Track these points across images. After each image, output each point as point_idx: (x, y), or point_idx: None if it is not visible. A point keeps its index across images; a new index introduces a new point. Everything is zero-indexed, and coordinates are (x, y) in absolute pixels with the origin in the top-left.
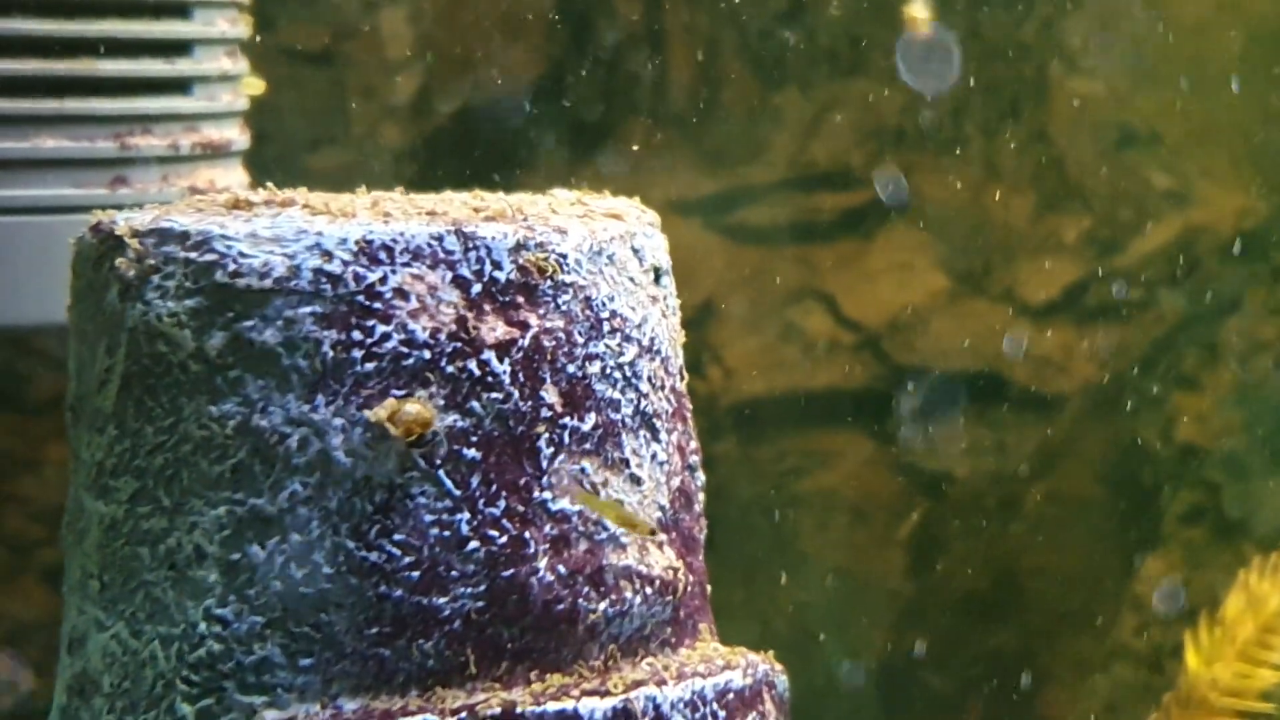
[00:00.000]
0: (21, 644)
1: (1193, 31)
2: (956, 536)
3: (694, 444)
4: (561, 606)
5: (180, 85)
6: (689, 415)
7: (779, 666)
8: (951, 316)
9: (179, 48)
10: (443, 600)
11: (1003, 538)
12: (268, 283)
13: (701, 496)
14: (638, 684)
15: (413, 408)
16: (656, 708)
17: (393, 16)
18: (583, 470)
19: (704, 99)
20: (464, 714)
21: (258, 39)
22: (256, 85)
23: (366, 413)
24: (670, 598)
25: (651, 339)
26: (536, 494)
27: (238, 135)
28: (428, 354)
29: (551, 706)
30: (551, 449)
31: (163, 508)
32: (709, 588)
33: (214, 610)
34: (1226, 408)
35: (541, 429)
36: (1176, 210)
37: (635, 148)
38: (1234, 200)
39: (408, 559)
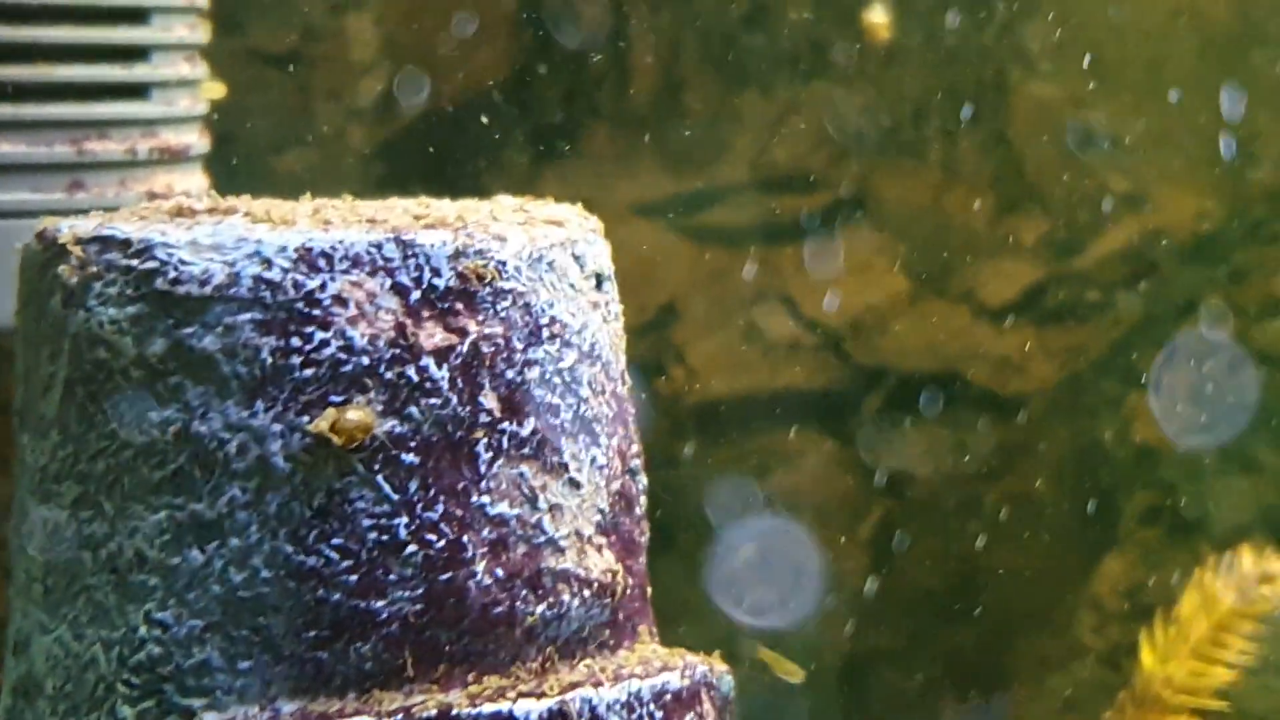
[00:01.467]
0: None
1: (1150, 36)
2: (917, 536)
3: (635, 448)
4: (499, 609)
5: (138, 90)
6: (630, 420)
7: (722, 668)
8: (912, 317)
9: (136, 53)
10: (380, 604)
11: (962, 537)
12: (208, 290)
13: (643, 500)
14: (574, 685)
15: (354, 415)
16: (593, 709)
17: (358, 20)
18: (521, 475)
19: (666, 102)
20: (400, 716)
21: (223, 42)
22: (216, 89)
23: (308, 424)
24: (608, 600)
25: (592, 344)
26: (475, 498)
27: (197, 140)
28: (366, 360)
29: (487, 708)
30: (490, 454)
31: (104, 513)
32: (649, 590)
33: (154, 614)
34: (1185, 410)
35: (480, 434)
36: (1134, 213)
37: (598, 150)
38: (1191, 203)
39: (345, 563)
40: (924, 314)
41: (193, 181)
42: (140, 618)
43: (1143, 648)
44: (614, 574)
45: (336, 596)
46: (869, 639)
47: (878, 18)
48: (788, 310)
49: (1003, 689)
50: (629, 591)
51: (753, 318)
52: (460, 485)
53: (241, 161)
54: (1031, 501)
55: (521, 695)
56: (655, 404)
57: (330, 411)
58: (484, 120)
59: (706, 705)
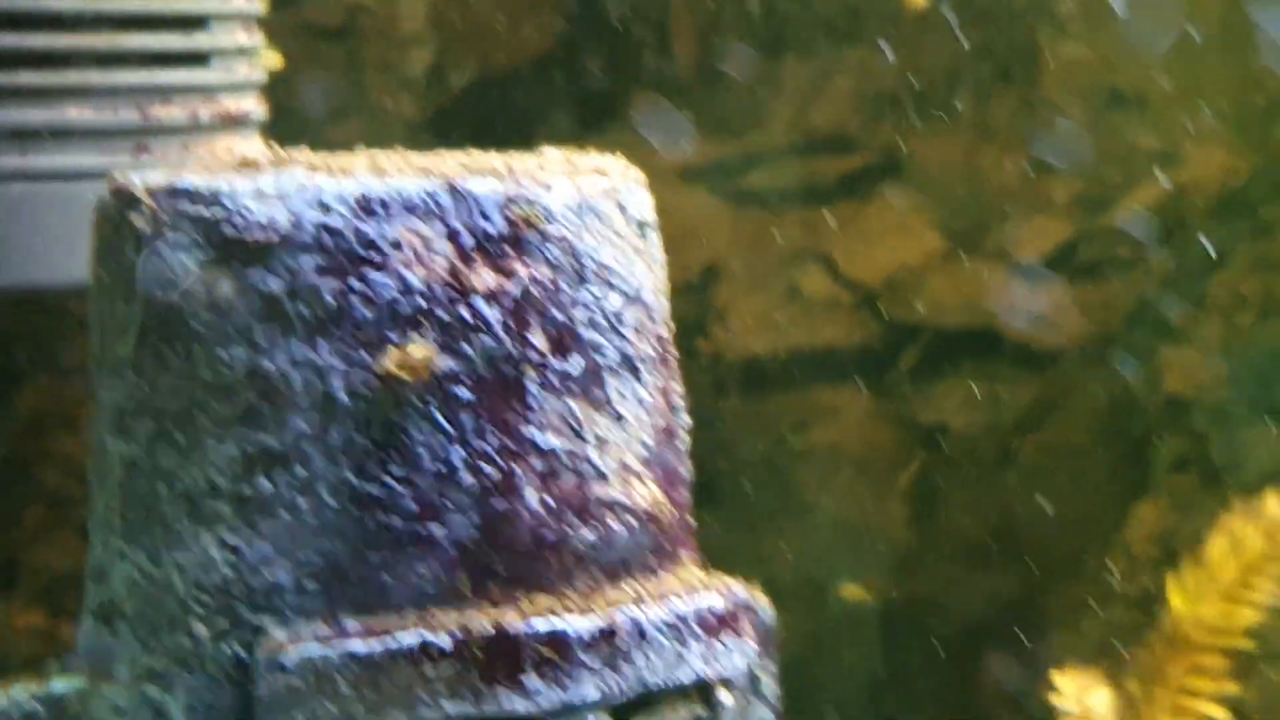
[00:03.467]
0: (61, 595)
1: None
2: (954, 487)
3: (679, 388)
4: (549, 535)
5: (199, 58)
6: (673, 361)
7: (764, 598)
8: (947, 275)
9: (197, 22)
10: (437, 529)
11: (998, 487)
12: (272, 236)
13: (686, 437)
14: (621, 605)
15: (418, 351)
16: (639, 626)
17: None
18: (569, 409)
19: (707, 69)
20: (457, 631)
21: (278, 16)
22: (274, 59)
23: (369, 360)
24: (653, 528)
25: (636, 288)
26: (525, 431)
27: (255, 106)
28: (422, 301)
29: (540, 624)
30: (539, 389)
31: (179, 447)
32: (693, 522)
33: (227, 539)
34: (1212, 360)
35: (530, 371)
36: (1163, 170)
37: (640, 116)
38: (1219, 159)
39: (404, 491)
40: (958, 271)
41: (252, 147)
42: (214, 543)
43: (1171, 590)
44: (658, 503)
45: (396, 522)
46: (909, 587)
47: None
48: (826, 270)
49: (1040, 634)
50: (672, 520)
51: (792, 278)
52: (511, 419)
53: (295, 131)
54: (1064, 452)
55: (571, 613)
56: (698, 363)
57: (394, 350)
58: (528, 90)
59: (746, 627)
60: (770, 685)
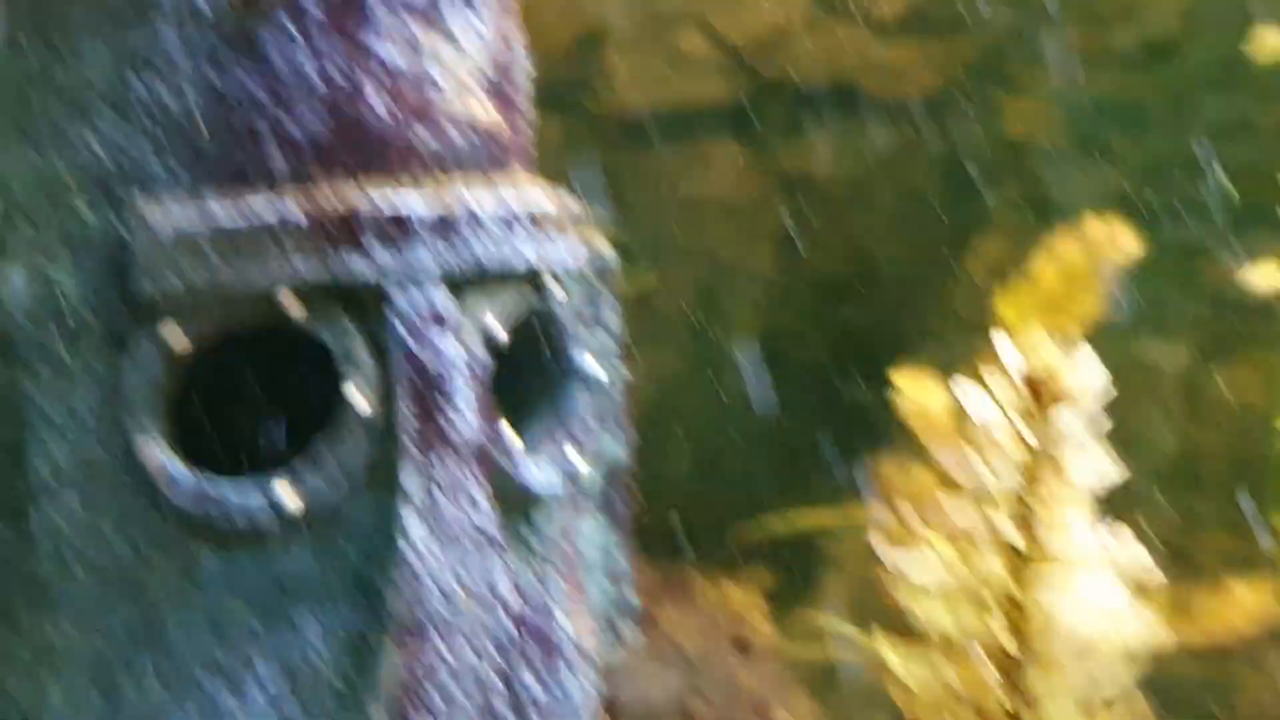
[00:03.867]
0: None
1: None
2: (817, 229)
3: (517, 34)
4: (394, 137)
5: None
6: (513, 6)
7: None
8: (812, 36)
9: None
10: (291, 125)
11: (856, 228)
12: None
13: (527, 81)
14: (459, 196)
15: None
16: (472, 211)
17: None
18: (411, 32)
19: None
20: (308, 204)
21: None
22: None
23: None
24: (492, 143)
25: None
26: (369, 43)
27: None
28: None
29: (382, 202)
30: (382, 10)
31: (58, 51)
32: (533, 152)
33: (105, 132)
34: (1047, 108)
35: None
36: None
37: None
38: None
39: (262, 93)
40: (823, 32)
41: None
42: (93, 137)
43: (1001, 304)
44: (497, 124)
45: (254, 117)
46: (778, 320)
47: None
48: (703, 31)
49: (892, 358)
50: (511, 142)
51: (672, 39)
52: (356, 33)
53: None
54: (915, 194)
55: (411, 195)
56: (585, 119)
57: None
58: None
59: (575, 232)
60: (613, 318)
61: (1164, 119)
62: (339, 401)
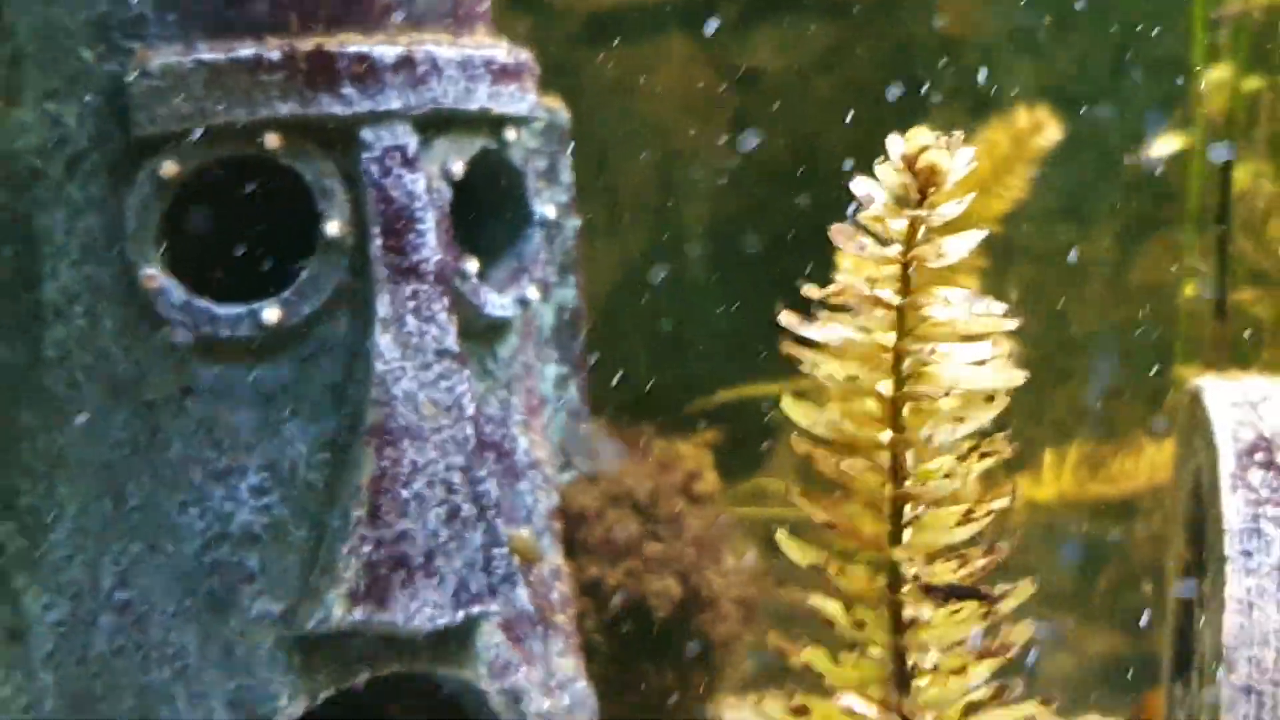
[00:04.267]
0: None
1: None
2: (766, 119)
3: None
4: None
5: None
6: None
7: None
8: None
9: None
10: None
11: (803, 119)
12: None
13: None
14: (425, 45)
15: None
16: (433, 58)
17: None
18: None
19: None
20: (286, 47)
21: None
22: None
23: None
24: (456, 1)
25: None
26: None
27: None
28: None
29: (352, 47)
30: None
31: None
32: (490, 16)
33: None
34: (981, 3)
35: None
36: None
37: None
38: None
39: None
40: None
41: None
42: None
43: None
44: None
45: None
46: (729, 205)
47: None
48: None
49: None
50: (472, 5)
51: None
52: None
53: None
54: (856, 87)
55: (379, 43)
56: (550, 19)
57: None
58: None
59: (529, 84)
60: (567, 174)
61: (1089, 14)
62: (316, 231)
